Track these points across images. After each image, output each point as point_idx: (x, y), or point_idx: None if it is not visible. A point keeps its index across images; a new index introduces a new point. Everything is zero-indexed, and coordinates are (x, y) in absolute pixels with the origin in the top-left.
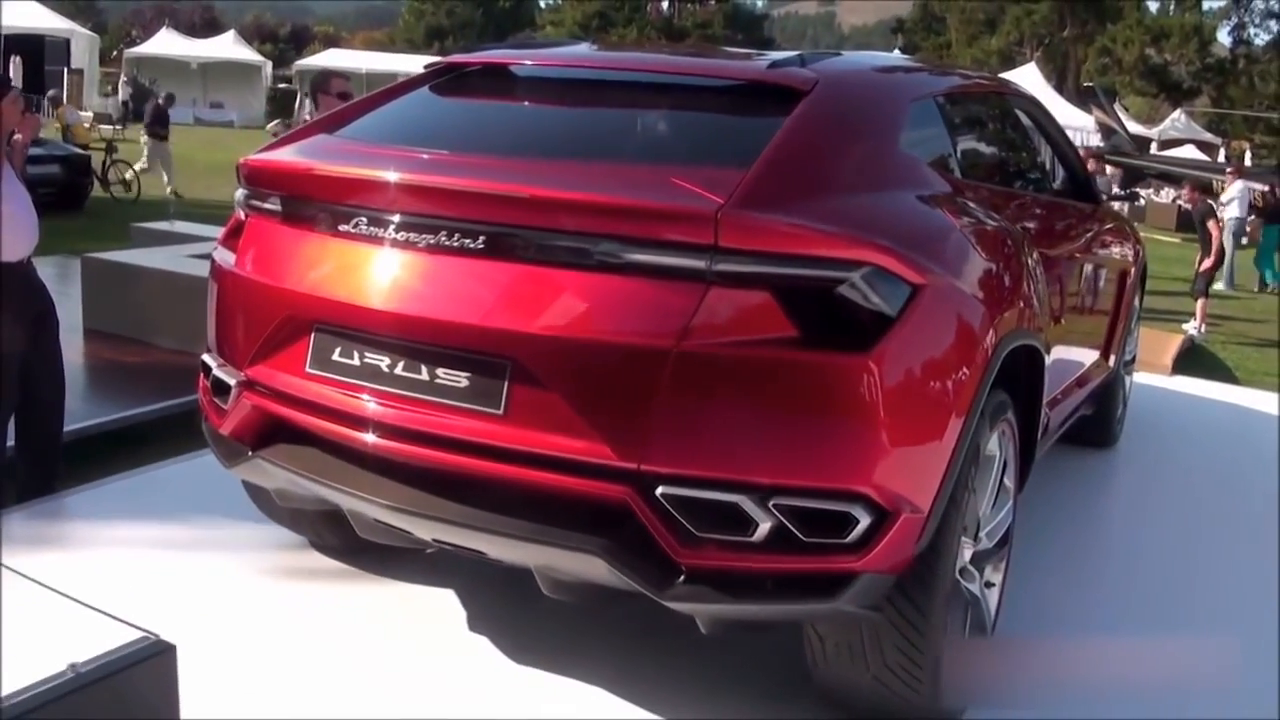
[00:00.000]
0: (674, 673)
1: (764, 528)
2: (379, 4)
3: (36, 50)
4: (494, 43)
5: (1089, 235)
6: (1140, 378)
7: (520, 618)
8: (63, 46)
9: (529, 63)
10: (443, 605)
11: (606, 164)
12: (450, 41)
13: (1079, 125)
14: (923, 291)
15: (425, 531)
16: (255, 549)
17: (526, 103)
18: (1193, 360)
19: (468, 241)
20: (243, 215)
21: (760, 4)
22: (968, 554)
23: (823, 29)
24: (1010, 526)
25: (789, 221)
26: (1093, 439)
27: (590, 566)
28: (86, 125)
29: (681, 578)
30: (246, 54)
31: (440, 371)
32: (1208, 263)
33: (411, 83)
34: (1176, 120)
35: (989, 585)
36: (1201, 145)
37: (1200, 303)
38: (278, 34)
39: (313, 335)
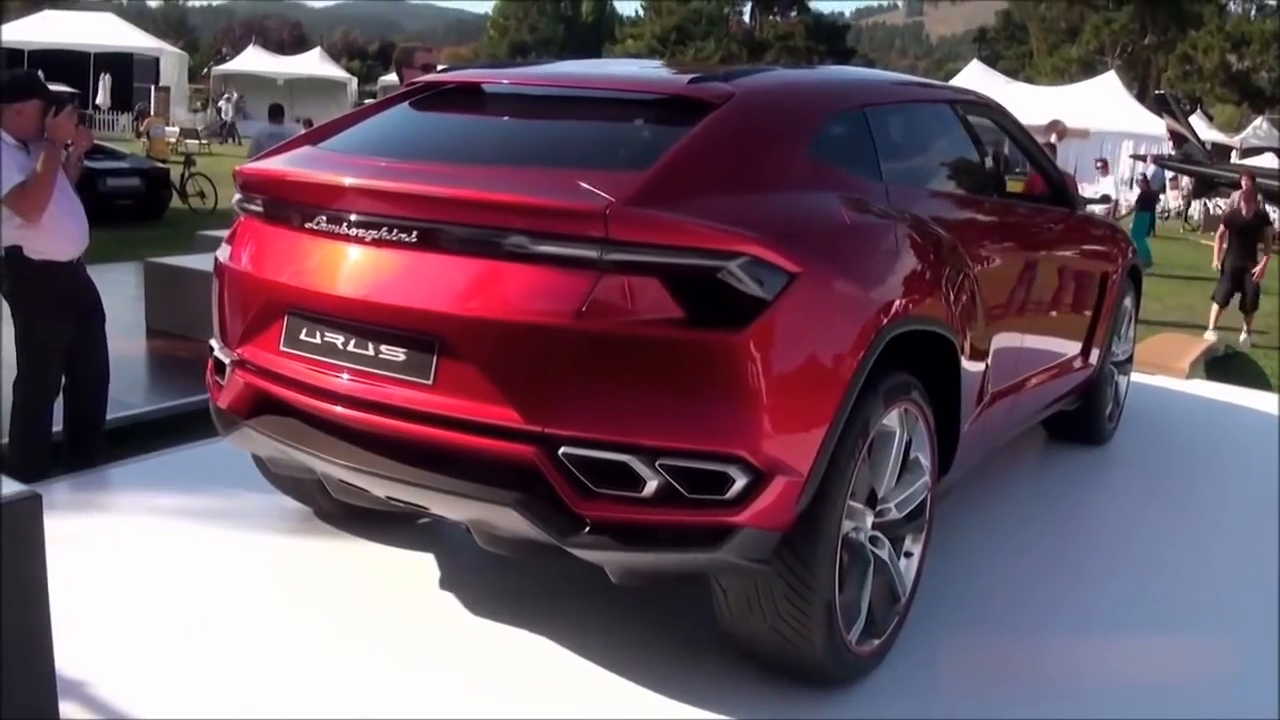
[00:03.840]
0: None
1: (652, 485)
2: (468, 19)
3: (125, 68)
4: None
5: (1052, 237)
6: (1156, 380)
7: (500, 582)
8: (151, 64)
9: (505, 81)
10: (423, 568)
11: (527, 169)
12: (533, 56)
13: (1158, 134)
14: (799, 279)
15: (379, 489)
16: (264, 517)
17: (479, 116)
18: (1227, 366)
19: (404, 236)
20: (240, 217)
21: (846, 15)
22: (869, 520)
23: (910, 39)
24: (925, 500)
25: (673, 217)
26: (1081, 436)
27: (508, 518)
28: (170, 140)
29: (586, 529)
30: (332, 70)
31: (383, 348)
32: (1257, 272)
33: (392, 99)
34: (1259, 128)
35: (907, 555)
36: None
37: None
38: (366, 50)
39: (286, 318)
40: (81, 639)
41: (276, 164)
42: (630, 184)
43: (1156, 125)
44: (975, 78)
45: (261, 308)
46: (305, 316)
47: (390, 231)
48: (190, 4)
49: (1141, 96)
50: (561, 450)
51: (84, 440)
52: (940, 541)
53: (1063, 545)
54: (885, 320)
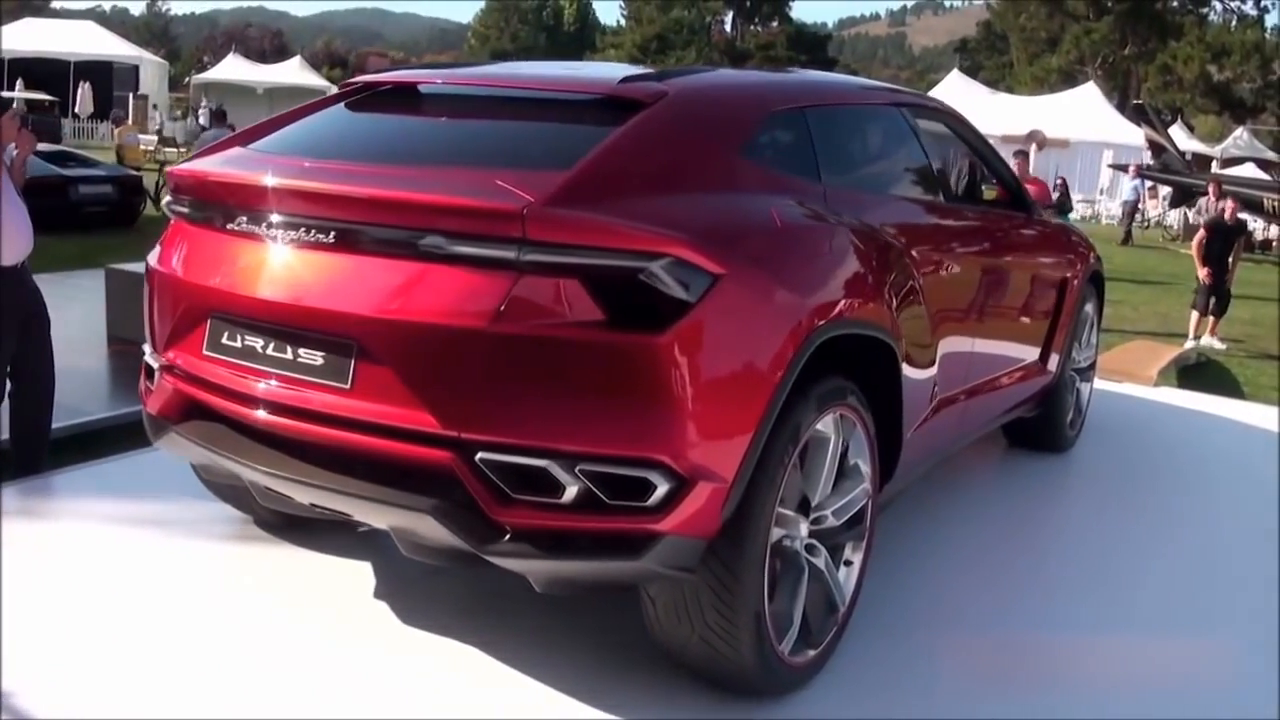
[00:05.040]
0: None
1: (572, 491)
2: (450, 28)
3: (105, 76)
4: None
5: (1005, 242)
6: (1124, 388)
7: (435, 589)
8: (131, 72)
9: (439, 81)
10: (361, 576)
11: (450, 168)
12: None
13: (1137, 145)
14: (724, 280)
15: (302, 496)
16: (204, 524)
17: (411, 116)
18: (1201, 374)
19: (321, 236)
20: (171, 219)
21: (830, 25)
22: (803, 528)
23: (893, 50)
24: (865, 508)
25: (593, 217)
26: (1042, 443)
27: (425, 525)
28: (147, 148)
29: (506, 536)
30: (312, 79)
31: (301, 351)
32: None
33: (328, 100)
34: (1239, 138)
35: (847, 564)
36: (1262, 164)
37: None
38: (347, 60)
39: (209, 321)
40: (19, 644)
41: (202, 165)
42: (550, 183)
43: (1136, 135)
44: (956, 88)
45: (186, 311)
46: (227, 320)
47: (308, 232)
48: (173, 12)
49: (1121, 107)
50: (479, 456)
51: (30, 448)
52: (891, 548)
53: (1018, 550)
54: (816, 324)
